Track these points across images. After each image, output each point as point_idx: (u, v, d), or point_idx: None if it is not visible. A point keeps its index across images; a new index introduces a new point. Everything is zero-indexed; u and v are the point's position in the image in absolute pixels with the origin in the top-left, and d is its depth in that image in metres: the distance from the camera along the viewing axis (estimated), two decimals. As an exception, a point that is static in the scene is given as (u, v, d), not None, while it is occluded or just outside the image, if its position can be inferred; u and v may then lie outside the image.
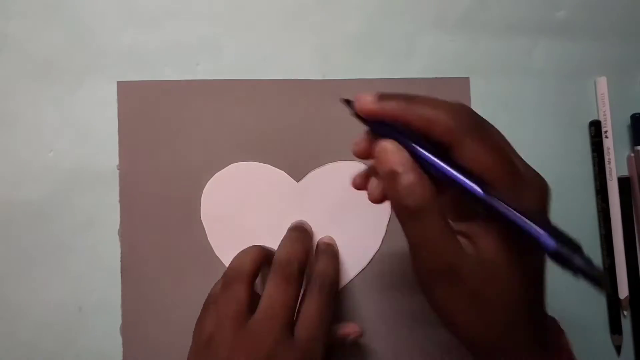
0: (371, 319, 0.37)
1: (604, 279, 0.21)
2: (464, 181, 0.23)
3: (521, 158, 0.25)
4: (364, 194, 0.28)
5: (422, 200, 0.23)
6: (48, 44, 0.37)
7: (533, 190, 0.24)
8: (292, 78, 0.38)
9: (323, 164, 0.38)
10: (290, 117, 0.38)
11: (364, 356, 0.37)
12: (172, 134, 0.37)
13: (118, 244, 0.36)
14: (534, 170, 0.25)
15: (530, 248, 0.24)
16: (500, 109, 0.40)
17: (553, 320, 0.29)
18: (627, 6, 0.41)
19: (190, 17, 0.38)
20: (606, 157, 0.40)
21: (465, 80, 0.39)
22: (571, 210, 0.40)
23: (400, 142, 0.24)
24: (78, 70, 0.37)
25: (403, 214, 0.24)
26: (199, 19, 0.38)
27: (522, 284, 0.24)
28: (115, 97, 0.37)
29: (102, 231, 0.36)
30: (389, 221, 0.38)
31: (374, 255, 0.38)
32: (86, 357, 0.36)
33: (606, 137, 0.40)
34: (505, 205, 0.22)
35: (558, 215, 0.39)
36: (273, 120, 0.38)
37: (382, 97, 0.24)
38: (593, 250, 0.40)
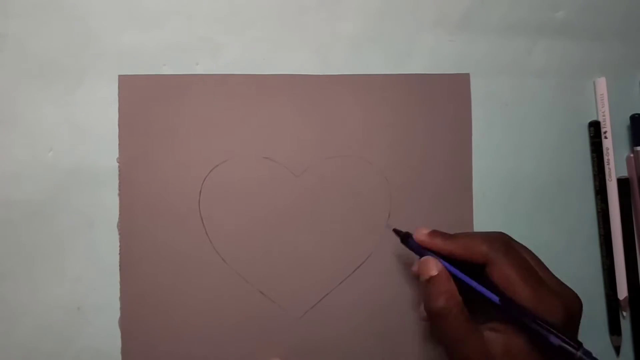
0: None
1: None
2: (483, 290, 0.30)
3: (554, 276, 0.32)
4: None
5: (445, 303, 0.30)
6: (48, 43, 0.37)
7: (560, 303, 0.29)
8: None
9: (322, 158, 0.38)
10: (291, 112, 0.38)
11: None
12: (172, 127, 0.37)
13: (117, 244, 0.36)
14: (567, 288, 0.31)
15: (556, 354, 0.28)
16: (500, 109, 0.40)
17: None
18: (627, 6, 0.41)
19: (190, 17, 0.37)
20: (605, 158, 0.40)
21: (466, 77, 0.39)
22: (570, 210, 0.40)
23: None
24: (78, 70, 0.37)
25: (432, 314, 0.30)
26: (198, 19, 0.38)
27: None
28: (115, 96, 0.37)
29: (101, 231, 0.36)
30: (387, 219, 0.38)
31: (370, 254, 0.38)
32: (85, 357, 0.36)
33: (605, 137, 0.40)
34: (516, 312, 0.29)
35: (558, 215, 0.40)
36: (273, 115, 0.38)
37: (432, 233, 0.33)
38: (592, 251, 0.40)
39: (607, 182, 0.40)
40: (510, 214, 0.39)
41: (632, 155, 0.40)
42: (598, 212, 0.40)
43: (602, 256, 0.40)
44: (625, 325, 0.40)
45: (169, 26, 0.37)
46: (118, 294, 0.36)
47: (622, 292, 0.39)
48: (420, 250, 0.33)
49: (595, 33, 0.40)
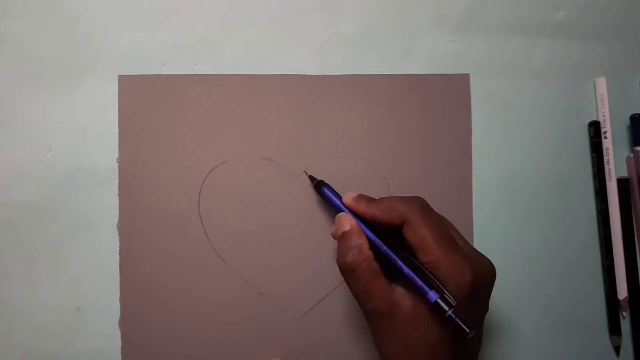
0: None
1: (471, 332, 0.27)
2: (386, 249, 0.31)
3: (470, 245, 0.32)
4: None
5: (354, 257, 0.31)
6: (47, 44, 0.37)
7: (470, 268, 0.29)
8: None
9: (322, 159, 0.38)
10: (291, 112, 0.38)
11: None
12: (172, 128, 0.37)
13: (116, 244, 0.36)
14: (483, 257, 0.32)
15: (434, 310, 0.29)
16: (500, 109, 0.40)
17: None
18: (627, 6, 0.41)
19: (190, 17, 0.37)
20: (605, 158, 0.40)
21: (465, 77, 0.39)
22: (570, 210, 0.40)
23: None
24: (77, 70, 0.37)
25: (342, 268, 0.31)
26: (198, 19, 0.37)
27: (445, 342, 0.29)
28: (115, 96, 0.37)
29: (100, 231, 0.36)
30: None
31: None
32: (85, 357, 0.36)
33: (605, 137, 0.40)
34: (406, 267, 0.30)
35: (558, 215, 0.40)
36: (273, 116, 0.38)
37: (358, 197, 0.33)
38: (592, 251, 0.40)
39: (607, 182, 0.40)
40: (510, 214, 0.39)
41: (632, 155, 0.40)
42: (598, 212, 0.40)
43: (602, 256, 0.40)
44: (625, 325, 0.40)
45: (169, 26, 0.37)
46: (118, 294, 0.36)
47: (622, 292, 0.39)
48: (333, 201, 0.34)
49: (595, 33, 0.40)
